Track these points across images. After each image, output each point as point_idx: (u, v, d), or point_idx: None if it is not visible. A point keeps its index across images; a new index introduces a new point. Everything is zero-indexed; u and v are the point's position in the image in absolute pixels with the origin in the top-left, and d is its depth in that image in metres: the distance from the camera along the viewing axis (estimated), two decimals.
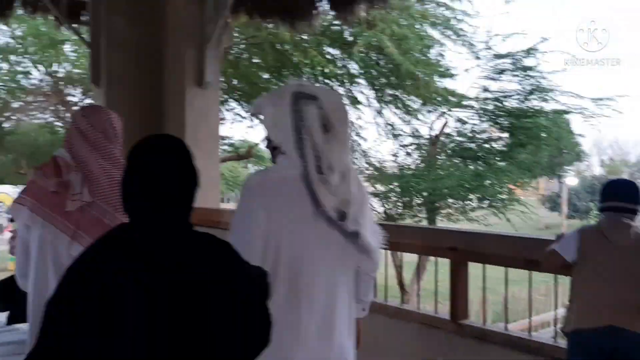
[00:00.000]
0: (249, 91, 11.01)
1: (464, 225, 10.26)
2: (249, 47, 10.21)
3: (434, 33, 9.12)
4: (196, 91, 5.48)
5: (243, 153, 12.77)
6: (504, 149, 10.72)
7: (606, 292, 2.50)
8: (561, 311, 2.75)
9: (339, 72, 9.48)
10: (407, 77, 8.48)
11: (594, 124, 10.17)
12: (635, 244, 2.54)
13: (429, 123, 10.42)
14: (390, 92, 9.76)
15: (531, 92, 9.78)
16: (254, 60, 10.62)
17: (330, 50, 9.40)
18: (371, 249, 1.77)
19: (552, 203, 35.05)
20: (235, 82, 11.15)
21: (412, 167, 10.51)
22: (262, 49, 9.28)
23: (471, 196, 10.24)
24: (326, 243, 1.70)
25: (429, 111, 10.03)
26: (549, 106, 10.15)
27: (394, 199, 10.14)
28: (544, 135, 10.78)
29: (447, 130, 10.60)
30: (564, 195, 32.87)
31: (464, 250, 3.46)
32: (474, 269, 3.47)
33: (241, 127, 12.31)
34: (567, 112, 10.45)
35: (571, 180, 35.29)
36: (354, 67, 9.84)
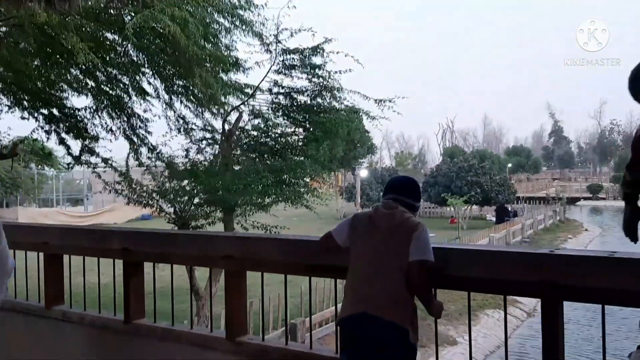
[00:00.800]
0: (14, 80, 9.62)
1: (264, 220, 10.10)
2: (13, 30, 8.76)
3: (222, 21, 8.67)
4: None
5: (6, 152, 10.90)
6: (300, 143, 10.76)
7: (363, 281, 2.54)
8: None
9: (120, 60, 8.54)
10: (194, 67, 7.90)
11: (380, 123, 10.68)
12: (398, 224, 2.56)
13: (222, 117, 9.98)
14: (180, 82, 9.11)
15: (322, 89, 9.90)
16: (21, 46, 9.21)
17: (109, 35, 8.42)
18: None
19: (349, 194, 37.39)
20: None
21: (206, 163, 9.99)
22: (24, 32, 7.95)
23: (269, 191, 10.07)
24: None
25: (223, 104, 9.58)
26: (339, 104, 10.38)
27: (186, 198, 9.53)
28: (338, 130, 11.06)
29: (241, 124, 10.27)
30: (358, 186, 35.22)
31: (241, 258, 3.08)
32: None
33: (11, 119, 10.46)
34: (356, 111, 10.83)
35: (364, 172, 38.05)
36: (139, 56, 8.99)
